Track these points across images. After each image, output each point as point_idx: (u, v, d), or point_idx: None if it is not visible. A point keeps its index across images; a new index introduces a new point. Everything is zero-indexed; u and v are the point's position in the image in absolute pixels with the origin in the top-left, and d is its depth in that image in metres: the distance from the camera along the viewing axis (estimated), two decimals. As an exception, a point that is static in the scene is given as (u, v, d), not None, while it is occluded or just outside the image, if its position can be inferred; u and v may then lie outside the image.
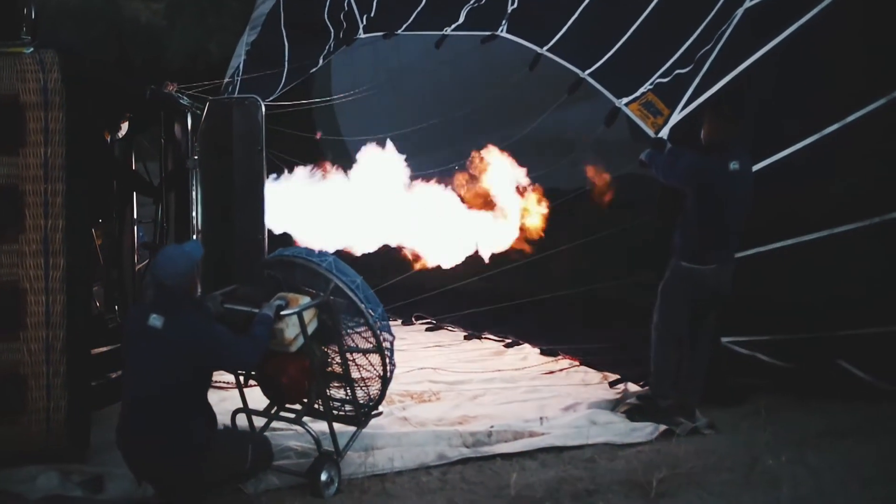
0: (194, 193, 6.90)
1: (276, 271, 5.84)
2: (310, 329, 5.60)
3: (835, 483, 5.72)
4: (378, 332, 5.62)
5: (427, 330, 9.58)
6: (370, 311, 5.61)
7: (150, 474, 5.26)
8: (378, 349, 5.66)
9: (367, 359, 5.76)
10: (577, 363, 8.19)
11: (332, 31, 9.55)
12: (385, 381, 5.76)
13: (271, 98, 8.69)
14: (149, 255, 7.60)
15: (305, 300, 5.61)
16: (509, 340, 9.00)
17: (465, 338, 9.27)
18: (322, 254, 5.76)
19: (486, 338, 9.20)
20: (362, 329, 5.70)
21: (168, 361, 5.07)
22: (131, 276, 7.62)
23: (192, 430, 5.15)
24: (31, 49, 5.86)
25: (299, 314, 5.53)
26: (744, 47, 7.11)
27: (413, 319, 9.80)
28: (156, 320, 5.12)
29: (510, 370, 8.14)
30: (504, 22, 8.49)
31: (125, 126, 7.55)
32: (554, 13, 8.30)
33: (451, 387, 7.67)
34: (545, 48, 8.06)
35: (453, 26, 8.85)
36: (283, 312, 5.49)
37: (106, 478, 5.67)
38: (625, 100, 7.27)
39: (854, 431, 6.53)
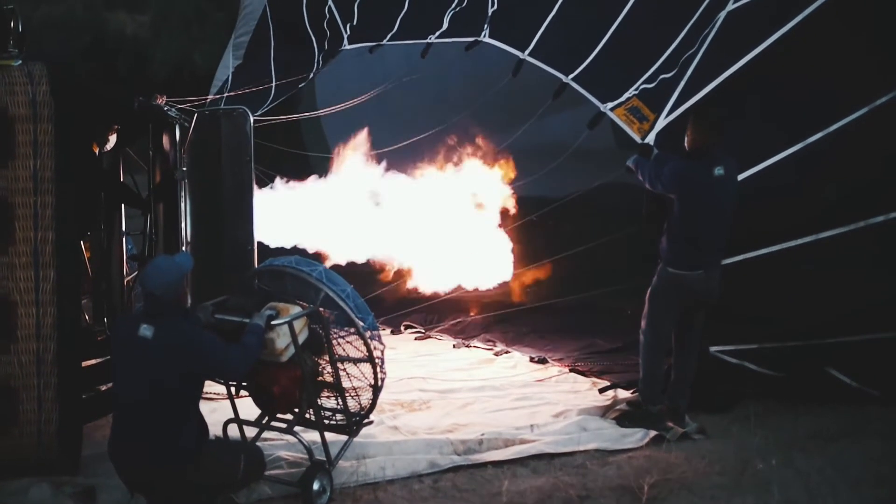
0: (183, 205, 6.90)
1: (266, 281, 5.84)
2: (300, 339, 5.60)
3: (824, 486, 5.74)
4: (368, 341, 5.63)
5: (416, 339, 9.58)
6: (360, 320, 5.62)
7: (142, 485, 5.25)
8: (369, 358, 5.67)
9: (357, 368, 5.77)
10: (567, 370, 8.21)
11: (314, 41, 9.54)
12: (376, 389, 5.76)
13: (259, 112, 8.70)
14: (137, 267, 7.60)
15: (296, 310, 5.61)
16: (498, 349, 9.02)
17: (455, 346, 9.28)
18: (312, 263, 5.77)
19: (475, 346, 9.21)
20: (353, 338, 5.71)
21: (159, 371, 5.07)
22: (120, 289, 7.61)
23: (184, 440, 5.15)
24: (20, 61, 5.86)
25: (290, 324, 5.53)
26: (727, 52, 7.14)
27: (402, 328, 9.82)
28: (146, 330, 5.11)
29: (500, 378, 8.14)
30: (486, 26, 8.50)
31: (113, 138, 7.55)
32: (534, 17, 8.32)
33: (442, 395, 7.66)
34: (526, 52, 8.08)
35: (437, 34, 8.86)
36: (273, 322, 5.49)
37: (98, 489, 5.67)
38: (610, 104, 7.30)
39: (841, 435, 6.57)
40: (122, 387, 5.24)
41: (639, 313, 6.94)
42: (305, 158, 10.33)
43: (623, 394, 7.36)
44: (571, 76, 7.66)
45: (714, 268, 6.71)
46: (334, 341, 5.68)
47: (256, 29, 9.98)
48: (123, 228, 7.72)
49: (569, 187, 9.02)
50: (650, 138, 7.05)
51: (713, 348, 7.03)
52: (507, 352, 8.92)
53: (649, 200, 6.96)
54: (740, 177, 6.76)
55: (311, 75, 9.25)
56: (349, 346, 5.73)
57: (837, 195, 6.85)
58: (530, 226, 9.22)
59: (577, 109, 8.19)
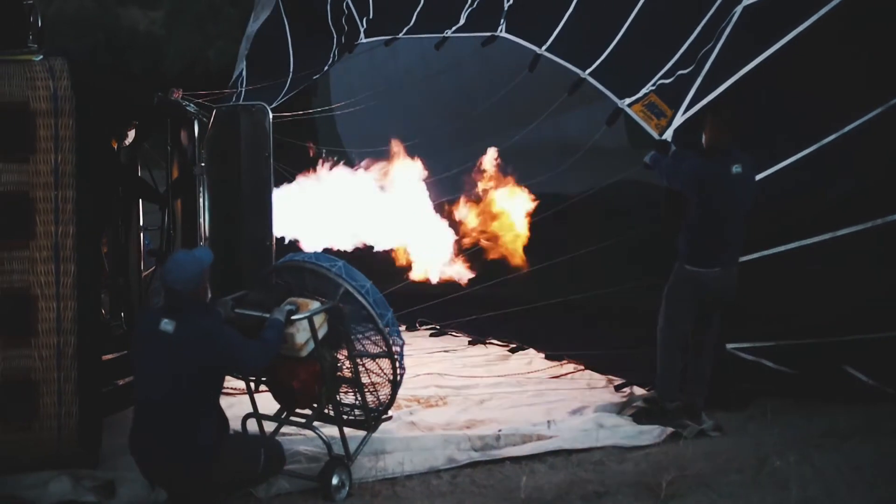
0: (201, 200, 6.91)
1: (285, 277, 5.86)
2: (320, 334, 5.61)
3: (841, 483, 5.74)
4: (388, 336, 5.65)
5: (431, 335, 9.59)
6: (379, 315, 5.63)
7: (163, 478, 5.28)
8: (388, 353, 5.68)
9: (376, 363, 5.78)
10: (582, 367, 8.21)
11: (334, 35, 9.55)
12: (395, 385, 5.78)
13: (275, 104, 8.70)
14: (155, 262, 7.62)
15: (315, 305, 5.63)
16: (514, 345, 9.02)
17: (470, 343, 9.29)
18: (332, 259, 5.78)
19: (490, 343, 9.22)
20: (372, 333, 5.72)
21: (180, 365, 5.09)
22: (137, 283, 7.63)
23: (204, 434, 5.17)
24: (41, 56, 5.87)
25: (310, 319, 5.54)
26: (744, 47, 7.12)
27: (417, 325, 9.82)
28: (167, 325, 5.14)
29: (516, 375, 8.16)
30: (503, 21, 8.49)
31: (131, 133, 7.57)
32: (551, 12, 8.31)
33: (458, 391, 7.68)
34: (543, 48, 8.07)
35: (454, 28, 8.85)
36: (293, 317, 5.51)
37: (117, 482, 5.67)
38: (627, 100, 7.29)
39: (856, 433, 6.55)
40: (143, 381, 5.27)
41: (655, 311, 6.94)
42: (319, 153, 10.33)
43: (639, 391, 7.36)
44: (588, 71, 7.65)
45: (731, 265, 6.71)
46: (353, 337, 5.70)
47: (272, 21, 10.00)
48: (141, 223, 7.74)
49: (583, 185, 9.01)
50: (668, 135, 7.04)
51: (729, 345, 7.03)
52: (522, 348, 8.93)
53: (667, 197, 6.95)
54: (757, 176, 6.75)
55: (327, 68, 9.26)
56: (368, 341, 5.75)
57: (855, 193, 6.84)
58: (545, 222, 9.20)
59: (592, 106, 8.19)
